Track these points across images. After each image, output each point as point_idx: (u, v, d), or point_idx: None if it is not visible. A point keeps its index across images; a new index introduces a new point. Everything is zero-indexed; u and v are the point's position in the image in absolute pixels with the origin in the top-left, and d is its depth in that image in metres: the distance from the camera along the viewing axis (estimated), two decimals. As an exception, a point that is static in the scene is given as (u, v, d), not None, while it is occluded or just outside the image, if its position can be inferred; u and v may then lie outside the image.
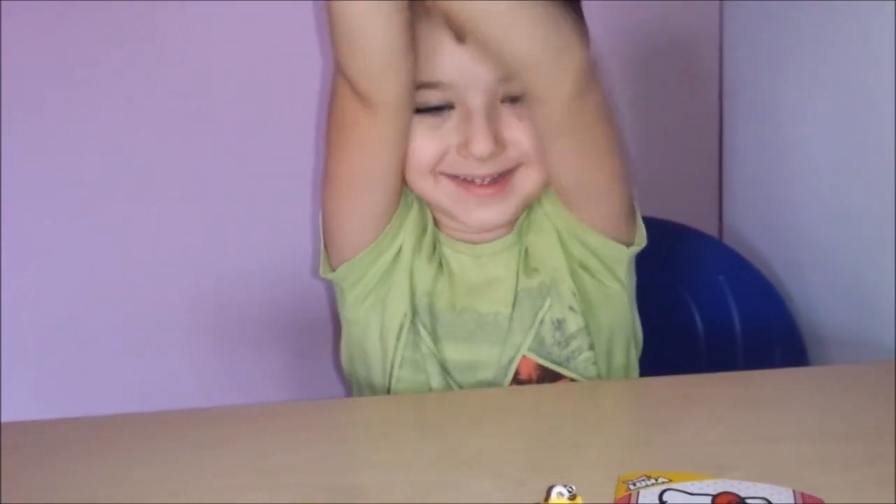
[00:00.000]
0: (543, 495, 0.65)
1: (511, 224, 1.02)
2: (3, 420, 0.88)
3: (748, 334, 1.20)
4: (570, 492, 0.63)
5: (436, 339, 1.01)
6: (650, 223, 1.02)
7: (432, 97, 0.93)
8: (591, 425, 0.84)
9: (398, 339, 1.02)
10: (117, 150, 1.30)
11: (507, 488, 0.73)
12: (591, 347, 1.01)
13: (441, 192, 0.97)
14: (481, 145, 0.92)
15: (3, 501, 0.75)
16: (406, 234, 1.01)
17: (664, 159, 1.46)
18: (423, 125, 0.95)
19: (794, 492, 0.70)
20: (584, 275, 1.01)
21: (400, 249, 1.01)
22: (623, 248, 0.99)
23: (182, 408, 0.91)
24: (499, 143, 0.93)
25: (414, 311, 1.01)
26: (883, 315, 1.08)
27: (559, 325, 1.00)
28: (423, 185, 0.97)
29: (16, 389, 1.29)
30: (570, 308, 1.00)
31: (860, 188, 1.02)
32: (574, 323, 1.00)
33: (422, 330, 1.01)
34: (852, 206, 1.12)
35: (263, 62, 1.31)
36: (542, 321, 1.00)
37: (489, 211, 0.96)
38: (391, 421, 0.89)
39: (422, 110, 0.94)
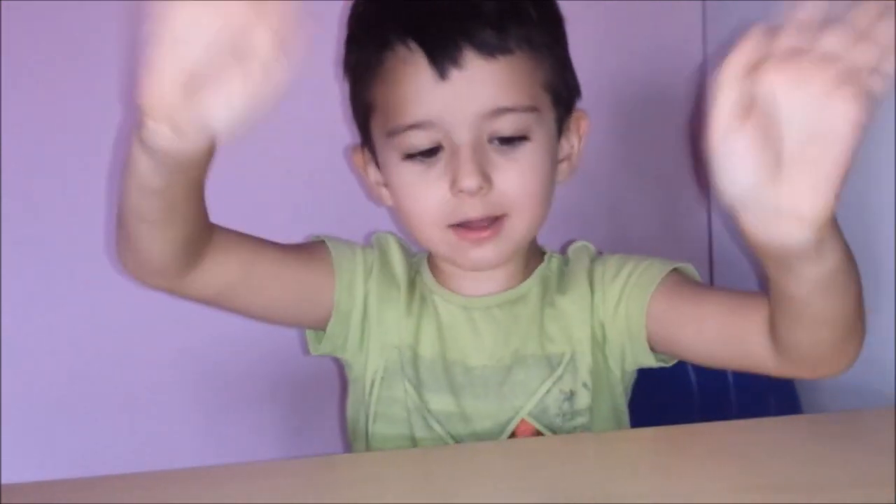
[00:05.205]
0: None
1: (504, 281, 1.02)
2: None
3: (741, 382, 1.20)
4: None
5: (421, 389, 1.00)
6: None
7: (421, 139, 0.93)
8: (585, 478, 0.83)
9: (370, 395, 1.02)
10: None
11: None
12: (590, 428, 1.00)
13: (444, 241, 0.97)
14: (468, 179, 0.91)
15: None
16: (368, 288, 1.01)
17: (652, 213, 1.46)
18: (412, 173, 0.95)
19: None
20: (599, 356, 1.00)
21: (365, 303, 1.01)
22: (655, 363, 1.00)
23: (178, 467, 0.89)
24: (486, 179, 0.92)
25: (386, 368, 1.01)
26: (880, 362, 1.08)
27: (570, 397, 0.99)
28: (429, 235, 0.97)
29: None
30: (584, 385, 1.00)
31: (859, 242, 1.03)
32: (584, 400, 0.99)
33: (406, 384, 1.01)
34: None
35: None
36: (548, 390, 0.99)
37: (484, 251, 0.96)
38: (388, 476, 0.87)
39: (412, 156, 0.94)
